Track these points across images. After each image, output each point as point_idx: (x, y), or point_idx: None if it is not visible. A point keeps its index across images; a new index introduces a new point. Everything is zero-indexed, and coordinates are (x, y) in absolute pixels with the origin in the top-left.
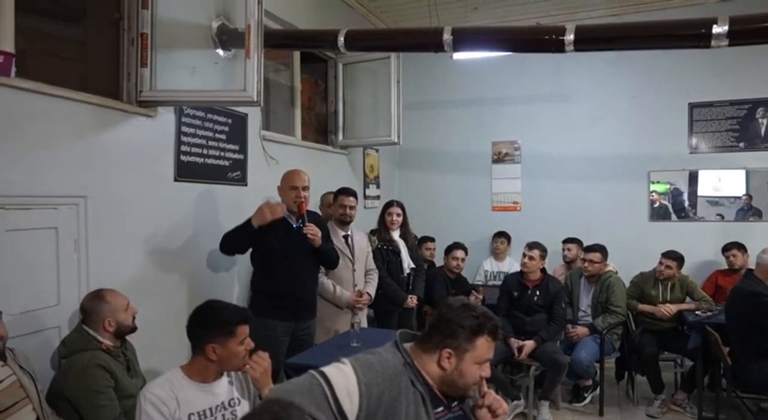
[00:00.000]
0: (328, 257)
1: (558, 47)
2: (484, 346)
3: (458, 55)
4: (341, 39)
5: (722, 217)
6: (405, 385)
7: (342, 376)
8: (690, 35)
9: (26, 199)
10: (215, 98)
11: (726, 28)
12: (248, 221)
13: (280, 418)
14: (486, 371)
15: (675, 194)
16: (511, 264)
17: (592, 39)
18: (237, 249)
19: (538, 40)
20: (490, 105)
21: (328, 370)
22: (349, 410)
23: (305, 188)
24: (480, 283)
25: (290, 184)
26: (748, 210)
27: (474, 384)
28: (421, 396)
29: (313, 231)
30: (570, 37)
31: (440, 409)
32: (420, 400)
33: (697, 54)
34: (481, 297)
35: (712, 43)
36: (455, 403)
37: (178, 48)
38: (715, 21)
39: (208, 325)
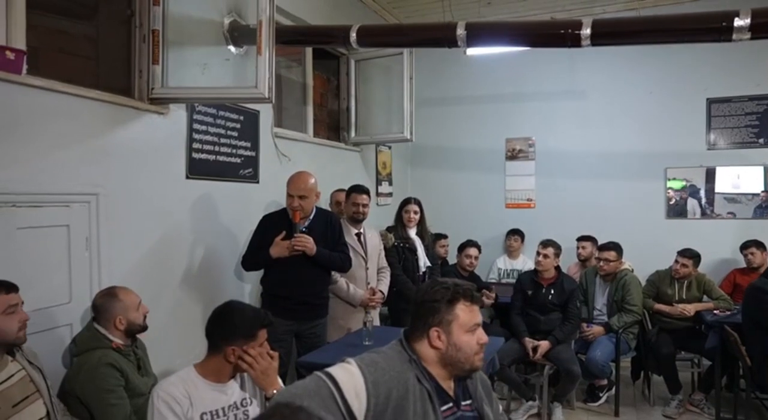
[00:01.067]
0: (327, 264)
1: (574, 42)
2: (464, 312)
3: (472, 51)
4: (353, 35)
5: (734, 214)
6: (412, 382)
7: (349, 375)
8: (710, 29)
9: (38, 196)
10: (227, 95)
11: (748, 20)
12: (267, 251)
13: None
14: (482, 337)
15: (692, 191)
16: (525, 262)
17: (609, 33)
18: (257, 269)
19: (554, 35)
20: (504, 101)
21: (334, 370)
22: (357, 410)
23: (302, 197)
24: (493, 280)
25: (287, 191)
26: (766, 207)
27: (475, 353)
28: (427, 393)
29: (301, 243)
30: (587, 31)
31: (449, 405)
32: (426, 397)
33: (715, 48)
34: (493, 295)
35: (734, 36)
36: (469, 401)
37: (189, 45)
38: (736, 14)
39: (230, 326)
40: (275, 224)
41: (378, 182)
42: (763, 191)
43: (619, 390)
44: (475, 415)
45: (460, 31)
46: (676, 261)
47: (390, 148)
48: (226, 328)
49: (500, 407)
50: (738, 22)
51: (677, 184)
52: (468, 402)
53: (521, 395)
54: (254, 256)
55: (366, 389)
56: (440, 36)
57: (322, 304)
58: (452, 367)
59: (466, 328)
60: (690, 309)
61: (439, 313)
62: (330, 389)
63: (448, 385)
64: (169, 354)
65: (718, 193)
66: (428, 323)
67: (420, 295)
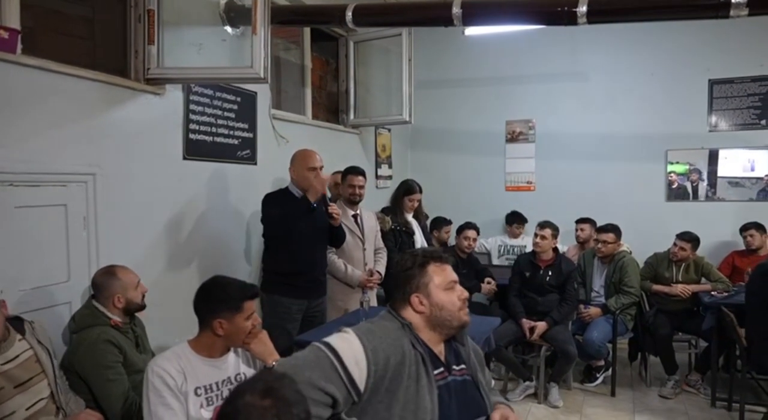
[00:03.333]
0: (341, 236)
1: (570, 19)
2: (437, 271)
3: (470, 31)
4: (349, 14)
5: (738, 198)
6: (407, 347)
7: (347, 344)
8: (708, 5)
9: (35, 176)
10: (222, 75)
11: None
12: (304, 198)
13: (272, 388)
14: (461, 293)
15: (694, 175)
16: (524, 239)
17: (605, 10)
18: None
19: (550, 12)
20: (504, 83)
21: (332, 340)
22: (358, 378)
23: (321, 168)
24: (486, 252)
25: (309, 165)
26: None
27: (459, 309)
28: (421, 356)
29: (337, 211)
30: (583, 8)
31: (440, 370)
32: (420, 361)
33: (718, 29)
34: (493, 286)
35: (731, 12)
36: (462, 366)
37: (185, 25)
38: None
39: (215, 300)
40: (279, 202)
41: (377, 165)
42: (767, 174)
43: (616, 371)
44: (468, 379)
45: (456, 10)
46: (675, 244)
47: (389, 130)
48: (212, 301)
49: (492, 380)
50: None
51: (680, 169)
52: (461, 367)
53: (518, 375)
54: (278, 217)
55: (366, 357)
56: (436, 14)
57: (325, 280)
58: (441, 327)
59: (444, 287)
60: (688, 289)
61: (415, 278)
62: (330, 359)
63: (439, 350)
64: (168, 332)
65: (721, 176)
66: (407, 291)
67: (394, 267)
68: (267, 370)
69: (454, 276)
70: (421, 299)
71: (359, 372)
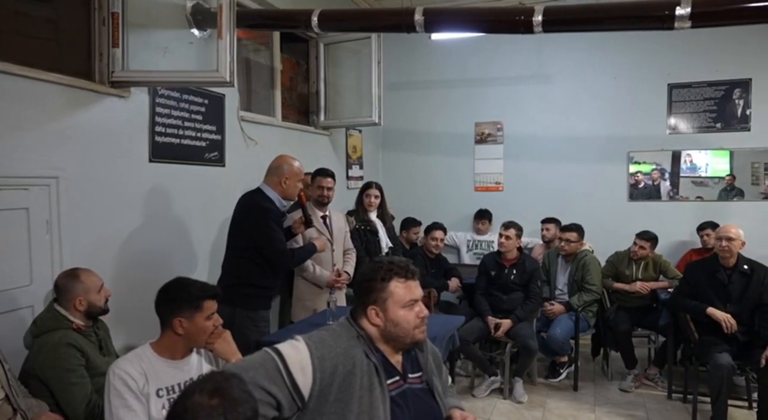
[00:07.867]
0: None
1: (527, 28)
2: (398, 289)
3: (437, 36)
4: (315, 19)
5: (701, 198)
6: (359, 358)
7: (295, 351)
8: (654, 17)
9: None
10: (188, 79)
11: (689, 9)
12: (314, 247)
13: (221, 388)
14: (420, 311)
15: (659, 174)
16: (492, 235)
17: (559, 20)
18: None
19: (508, 21)
20: (472, 86)
21: (281, 346)
22: (302, 383)
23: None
24: (455, 245)
25: (301, 177)
26: (730, 190)
27: (414, 327)
28: (374, 367)
29: (302, 230)
30: (538, 18)
31: (395, 379)
32: (373, 371)
33: (677, 35)
34: (458, 284)
35: (676, 24)
36: (419, 373)
37: (151, 28)
38: (678, 3)
39: (175, 299)
40: (277, 216)
41: (348, 166)
42: (728, 175)
43: (579, 366)
44: (425, 387)
45: (418, 17)
46: (635, 243)
47: (360, 131)
48: (172, 300)
49: (449, 379)
50: (679, 11)
51: (646, 168)
52: (417, 374)
53: (484, 371)
54: (305, 256)
55: (312, 364)
56: (399, 22)
57: None
58: (394, 341)
59: (402, 304)
60: (647, 286)
61: (374, 291)
62: (276, 362)
63: (396, 360)
64: (133, 335)
65: (684, 176)
66: (366, 302)
67: (359, 275)
68: (217, 370)
69: (417, 293)
70: (378, 312)
71: (303, 378)
